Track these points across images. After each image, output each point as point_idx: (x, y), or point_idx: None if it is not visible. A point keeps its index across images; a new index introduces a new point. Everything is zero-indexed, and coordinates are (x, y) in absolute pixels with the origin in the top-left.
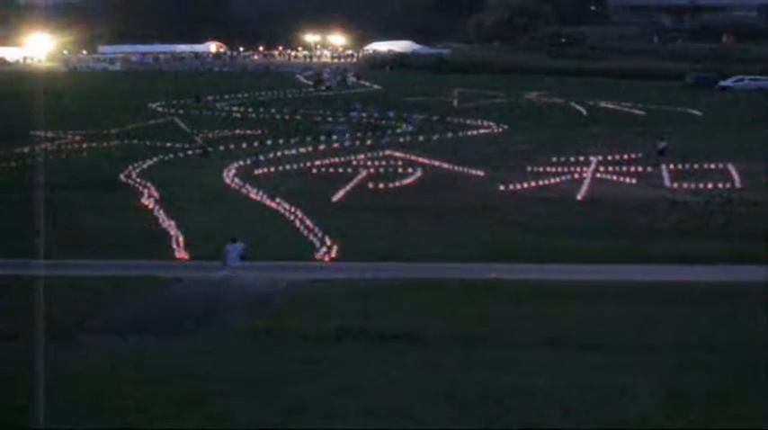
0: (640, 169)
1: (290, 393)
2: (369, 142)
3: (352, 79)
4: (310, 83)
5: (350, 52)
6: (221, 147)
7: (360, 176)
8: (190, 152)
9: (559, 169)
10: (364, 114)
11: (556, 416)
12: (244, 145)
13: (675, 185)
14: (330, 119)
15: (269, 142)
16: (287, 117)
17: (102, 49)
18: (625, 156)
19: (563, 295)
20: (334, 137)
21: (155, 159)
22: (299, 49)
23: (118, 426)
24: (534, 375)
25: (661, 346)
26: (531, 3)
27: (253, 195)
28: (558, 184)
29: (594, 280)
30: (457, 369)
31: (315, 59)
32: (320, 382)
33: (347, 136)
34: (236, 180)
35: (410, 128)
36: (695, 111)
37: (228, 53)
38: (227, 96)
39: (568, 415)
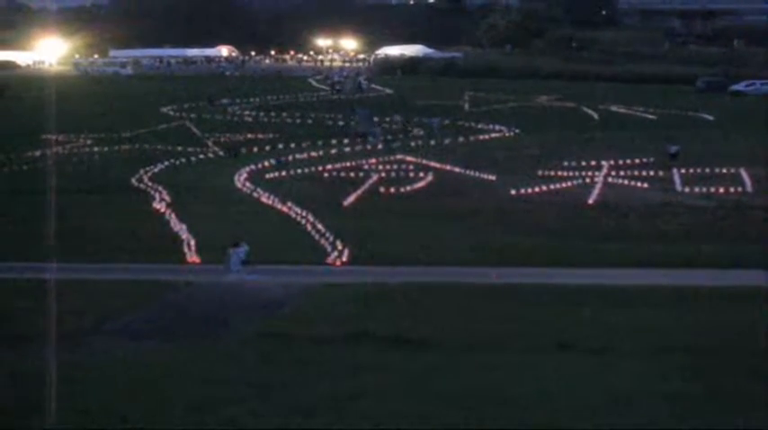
0: (652, 173)
1: (301, 397)
2: (380, 146)
3: (364, 83)
4: (324, 87)
5: (361, 56)
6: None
7: (371, 181)
8: (221, 153)
9: (571, 173)
10: (376, 118)
11: (566, 420)
12: (255, 149)
13: (687, 189)
14: (342, 123)
15: (280, 146)
16: (298, 121)
17: (114, 52)
18: (637, 161)
19: (574, 299)
20: (371, 138)
21: (166, 163)
22: (311, 53)
23: (128, 428)
24: (545, 379)
25: (671, 350)
26: (542, 7)
27: (264, 199)
28: (569, 189)
29: (605, 284)
30: (468, 373)
31: (327, 63)
32: (332, 386)
33: (380, 138)
34: (248, 184)
35: (434, 125)
36: (707, 116)
37: (240, 57)
38: (238, 100)
39: (579, 418)
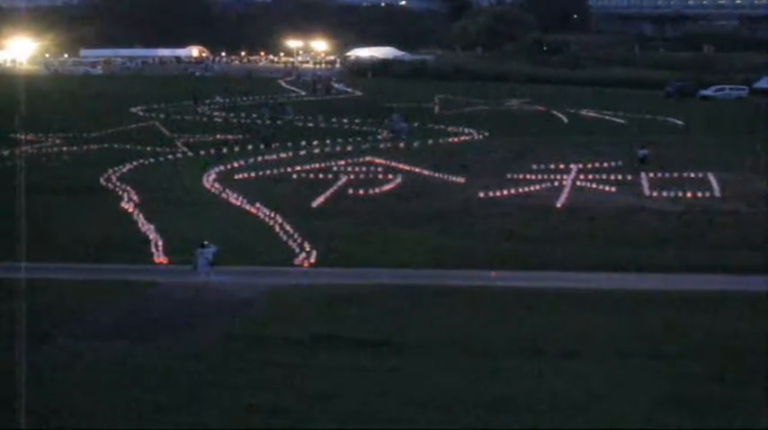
0: (620, 177)
1: (270, 397)
2: (349, 148)
3: (337, 85)
4: (293, 88)
5: (332, 58)
6: (201, 152)
7: (340, 182)
8: (259, 143)
9: (539, 177)
10: (300, 117)
11: (533, 424)
12: (224, 149)
13: (655, 194)
14: (312, 125)
15: (250, 147)
16: (268, 122)
17: (84, 52)
18: (605, 164)
19: (540, 303)
20: (398, 134)
21: (135, 163)
22: (282, 54)
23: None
24: (511, 382)
25: (636, 354)
26: (513, 10)
27: (233, 200)
28: (537, 192)
29: (572, 287)
30: (435, 376)
31: (297, 65)
32: (300, 387)
33: (407, 133)
34: (216, 185)
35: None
36: (676, 120)
37: (211, 57)
38: (208, 101)
39: (545, 422)
